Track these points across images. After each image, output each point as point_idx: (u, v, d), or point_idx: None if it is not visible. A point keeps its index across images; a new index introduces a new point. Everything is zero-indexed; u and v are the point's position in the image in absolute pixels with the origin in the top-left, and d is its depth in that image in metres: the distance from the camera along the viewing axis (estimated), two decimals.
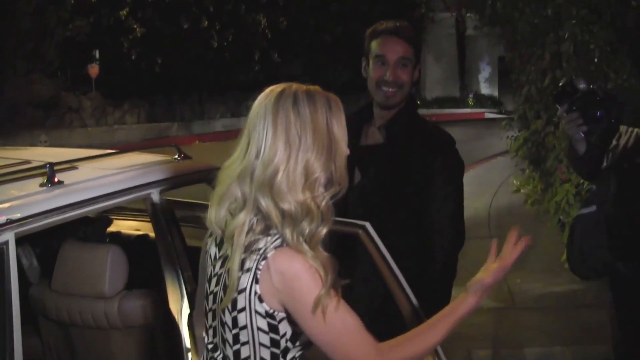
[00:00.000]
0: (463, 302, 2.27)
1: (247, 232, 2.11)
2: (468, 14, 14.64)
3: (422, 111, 3.83)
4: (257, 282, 2.10)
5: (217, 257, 2.29)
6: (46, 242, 4.47)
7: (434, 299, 3.22)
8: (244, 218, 2.12)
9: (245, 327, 2.16)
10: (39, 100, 23.14)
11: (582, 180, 7.29)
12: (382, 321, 3.38)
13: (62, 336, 3.90)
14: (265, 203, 2.08)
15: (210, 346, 2.33)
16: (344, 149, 2.17)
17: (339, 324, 2.11)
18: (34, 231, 2.80)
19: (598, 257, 3.26)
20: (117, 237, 4.57)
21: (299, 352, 2.23)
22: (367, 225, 2.90)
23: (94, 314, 3.72)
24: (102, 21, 24.70)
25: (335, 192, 2.16)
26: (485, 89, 38.85)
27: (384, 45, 3.43)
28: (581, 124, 3.00)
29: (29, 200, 2.82)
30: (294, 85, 2.16)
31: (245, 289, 2.12)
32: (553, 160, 8.85)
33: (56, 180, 2.99)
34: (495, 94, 38.27)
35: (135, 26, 24.95)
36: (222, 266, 2.24)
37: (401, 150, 3.43)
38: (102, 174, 3.33)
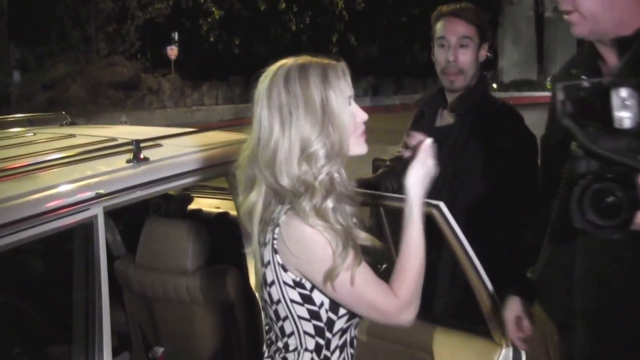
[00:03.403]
0: (412, 213, 2.22)
1: (264, 208, 2.13)
2: None
3: (499, 94, 3.79)
4: (275, 252, 2.10)
5: None
6: (129, 218, 4.59)
7: (508, 280, 3.21)
8: (255, 197, 2.13)
9: (279, 301, 2.16)
10: (120, 81, 23.57)
11: None
12: (454, 300, 3.41)
13: (145, 309, 4.00)
14: (272, 181, 2.09)
15: (266, 327, 2.34)
16: (343, 120, 2.10)
17: (355, 291, 2.07)
18: (121, 205, 2.89)
19: None
20: (198, 214, 4.66)
21: (347, 323, 2.20)
22: (441, 204, 2.88)
23: (176, 288, 3.81)
24: (181, 4, 25.01)
25: (337, 164, 2.11)
26: None
27: (444, 27, 3.46)
28: None
29: (117, 176, 2.90)
30: (289, 61, 2.13)
31: (270, 262, 2.12)
32: None
33: (142, 157, 3.08)
34: None
35: (213, 9, 25.20)
36: None
37: (470, 129, 3.42)
38: (186, 151, 3.40)
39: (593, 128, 1.88)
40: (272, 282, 2.14)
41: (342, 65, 2.16)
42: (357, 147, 2.18)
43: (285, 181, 2.06)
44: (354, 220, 2.21)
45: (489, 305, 2.91)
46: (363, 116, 2.19)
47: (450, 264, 3.28)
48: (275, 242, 2.09)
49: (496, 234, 3.23)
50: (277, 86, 2.09)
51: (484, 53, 3.50)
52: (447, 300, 3.41)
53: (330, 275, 2.04)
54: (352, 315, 2.17)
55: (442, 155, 3.45)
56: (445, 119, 3.58)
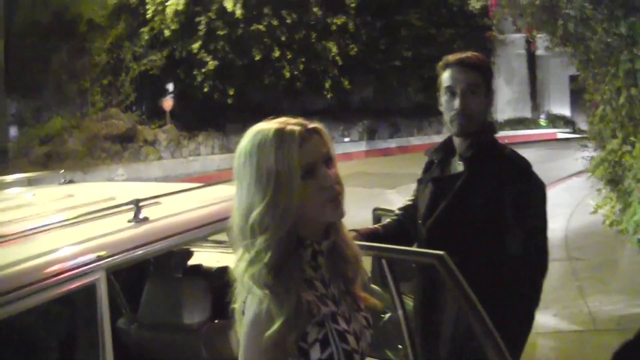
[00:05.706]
0: None
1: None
2: (539, 35, 14.52)
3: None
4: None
5: None
6: (130, 276, 4.58)
7: (515, 328, 3.19)
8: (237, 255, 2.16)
9: None
10: (116, 133, 23.69)
11: None
12: (458, 350, 3.40)
13: None
14: (238, 242, 2.14)
15: None
16: (292, 188, 2.07)
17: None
18: (123, 266, 2.89)
19: None
20: (198, 269, 4.65)
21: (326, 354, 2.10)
22: (444, 255, 2.88)
23: (179, 345, 3.79)
24: (175, 55, 25.19)
25: (279, 234, 2.08)
26: (557, 109, 38.45)
27: (452, 76, 3.48)
28: None
29: (118, 237, 2.90)
30: (258, 128, 2.15)
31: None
32: (631, 179, 8.70)
33: (142, 216, 3.09)
34: (568, 113, 37.86)
35: (207, 59, 25.35)
36: None
37: (479, 177, 3.43)
38: (186, 208, 3.40)
39: None
40: None
41: (311, 132, 2.15)
42: (326, 214, 2.17)
43: (242, 244, 2.11)
44: (353, 281, 2.26)
45: (495, 355, 2.89)
46: (326, 183, 2.14)
47: (454, 314, 3.27)
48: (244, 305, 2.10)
49: (503, 285, 3.22)
50: (241, 154, 2.13)
51: (491, 99, 3.53)
52: (451, 350, 3.39)
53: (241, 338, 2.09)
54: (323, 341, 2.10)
55: (451, 204, 3.48)
56: (455, 167, 3.59)
